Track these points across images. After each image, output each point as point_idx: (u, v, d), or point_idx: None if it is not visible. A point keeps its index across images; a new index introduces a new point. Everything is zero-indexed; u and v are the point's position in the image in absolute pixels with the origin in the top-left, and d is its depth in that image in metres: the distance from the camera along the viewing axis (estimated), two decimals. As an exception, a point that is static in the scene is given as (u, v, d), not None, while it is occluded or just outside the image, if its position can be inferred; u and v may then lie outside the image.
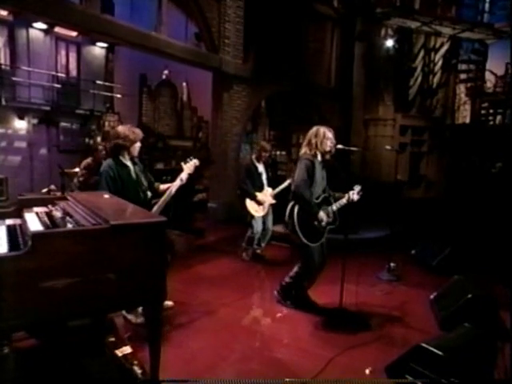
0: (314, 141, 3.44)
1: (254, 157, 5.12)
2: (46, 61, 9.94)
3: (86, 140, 10.28)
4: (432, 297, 3.24)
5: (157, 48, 6.38)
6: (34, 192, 5.80)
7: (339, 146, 3.51)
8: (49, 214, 2.39)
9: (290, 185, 4.40)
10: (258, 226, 5.06)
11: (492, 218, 6.02)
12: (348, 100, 9.76)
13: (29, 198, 2.80)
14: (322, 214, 3.37)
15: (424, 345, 2.27)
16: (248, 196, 4.97)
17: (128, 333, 2.95)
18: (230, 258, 5.32)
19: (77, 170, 4.65)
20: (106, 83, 11.07)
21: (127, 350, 2.61)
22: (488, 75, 10.60)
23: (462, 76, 11.03)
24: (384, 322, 3.48)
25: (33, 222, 2.26)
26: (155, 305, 2.20)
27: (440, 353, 2.18)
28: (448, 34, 9.97)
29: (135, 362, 2.49)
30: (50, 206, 2.58)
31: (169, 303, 3.57)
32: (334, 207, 3.49)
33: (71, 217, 2.25)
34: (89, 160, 4.66)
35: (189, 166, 3.34)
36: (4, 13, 9.11)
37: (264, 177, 5.12)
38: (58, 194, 3.79)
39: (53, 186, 4.19)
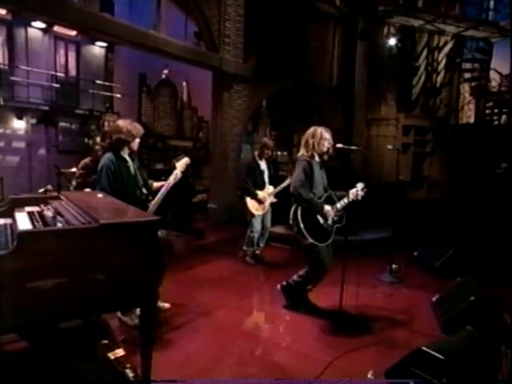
0: (311, 142, 3.42)
1: (256, 153, 5.07)
2: (45, 60, 9.90)
3: (86, 140, 10.22)
4: (434, 299, 3.19)
5: (156, 47, 6.33)
6: (33, 192, 5.78)
7: (338, 145, 3.49)
8: (40, 214, 2.37)
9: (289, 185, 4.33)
10: (257, 225, 5.00)
11: (496, 220, 5.92)
12: (350, 99, 9.68)
13: (21, 197, 2.78)
14: (327, 208, 3.32)
15: (425, 348, 2.22)
16: (249, 194, 4.91)
17: (123, 335, 2.94)
18: (229, 260, 5.27)
19: (74, 169, 4.62)
20: (106, 83, 11.03)
21: (120, 352, 2.58)
22: (493, 74, 10.47)
23: (466, 75, 10.92)
24: (385, 325, 3.42)
25: (23, 221, 2.26)
26: (147, 306, 2.16)
27: (441, 357, 2.13)
28: (452, 32, 9.85)
29: (128, 365, 2.46)
30: (42, 206, 2.56)
31: (165, 305, 3.54)
32: (339, 205, 3.43)
33: (62, 216, 2.23)
34: (86, 160, 4.63)
35: (181, 164, 3.30)
36: (2, 12, 9.09)
37: (266, 174, 5.07)
38: (55, 194, 3.75)
39: (49, 186, 4.15)
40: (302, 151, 3.48)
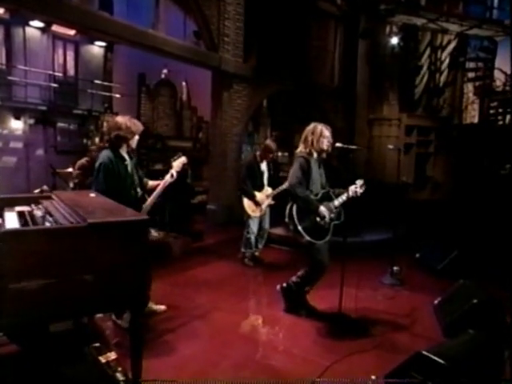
0: (310, 138, 3.35)
1: (257, 154, 5.00)
2: (43, 60, 9.86)
3: (84, 141, 10.13)
4: (436, 302, 3.11)
5: (154, 46, 6.28)
6: (29, 193, 5.74)
7: (338, 145, 3.42)
8: (30, 213, 2.35)
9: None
10: (254, 227, 4.93)
11: (500, 221, 5.82)
12: (352, 99, 9.60)
13: (12, 197, 2.76)
14: (322, 209, 3.25)
15: (425, 352, 2.14)
16: (246, 195, 4.85)
17: (116, 338, 2.88)
18: (228, 261, 5.21)
19: (70, 170, 4.60)
20: (105, 83, 10.99)
21: (111, 356, 2.53)
22: (497, 73, 10.35)
23: (470, 74, 10.80)
24: (385, 328, 3.36)
25: (11, 220, 2.24)
26: (136, 309, 2.13)
27: (442, 361, 2.06)
28: (455, 31, 9.75)
29: (119, 369, 2.42)
30: (33, 206, 2.54)
31: (161, 307, 3.49)
32: (336, 202, 3.37)
33: (52, 216, 2.21)
34: (83, 160, 4.61)
35: (177, 164, 3.24)
36: (0, 11, 9.05)
37: (266, 176, 5.01)
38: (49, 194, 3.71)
39: (45, 187, 4.11)
40: (301, 147, 3.42)
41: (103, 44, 11.16)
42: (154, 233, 4.84)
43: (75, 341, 2.50)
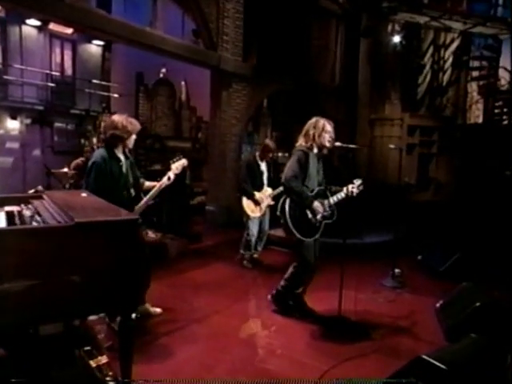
0: (311, 132, 3.26)
1: (257, 154, 4.95)
2: (40, 59, 9.77)
3: (82, 141, 9.86)
4: (438, 305, 3.03)
5: (152, 44, 6.23)
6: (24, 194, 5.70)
7: (337, 144, 3.32)
8: (19, 213, 2.31)
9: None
10: (254, 229, 4.86)
11: (504, 223, 5.73)
12: (353, 99, 9.52)
13: (2, 197, 2.72)
14: (316, 204, 3.17)
15: (425, 357, 2.06)
16: (246, 194, 4.78)
17: (110, 342, 2.82)
18: (226, 263, 5.14)
19: (65, 170, 4.57)
20: (103, 82, 10.91)
21: (103, 360, 2.47)
22: (502, 72, 10.20)
23: (474, 73, 10.67)
24: (386, 332, 3.29)
25: None
26: (126, 312, 2.06)
27: (442, 366, 1.98)
28: (459, 29, 9.66)
29: (110, 373, 2.36)
30: (22, 205, 2.50)
31: (157, 310, 3.44)
32: (331, 200, 3.29)
33: (40, 216, 2.17)
34: (78, 160, 4.60)
35: (177, 166, 3.18)
36: (-4, 9, 8.97)
37: (265, 176, 4.96)
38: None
39: (40, 187, 4.08)
40: (301, 141, 3.32)
41: (101, 43, 11.05)
42: (151, 234, 4.80)
43: (65, 344, 2.44)
